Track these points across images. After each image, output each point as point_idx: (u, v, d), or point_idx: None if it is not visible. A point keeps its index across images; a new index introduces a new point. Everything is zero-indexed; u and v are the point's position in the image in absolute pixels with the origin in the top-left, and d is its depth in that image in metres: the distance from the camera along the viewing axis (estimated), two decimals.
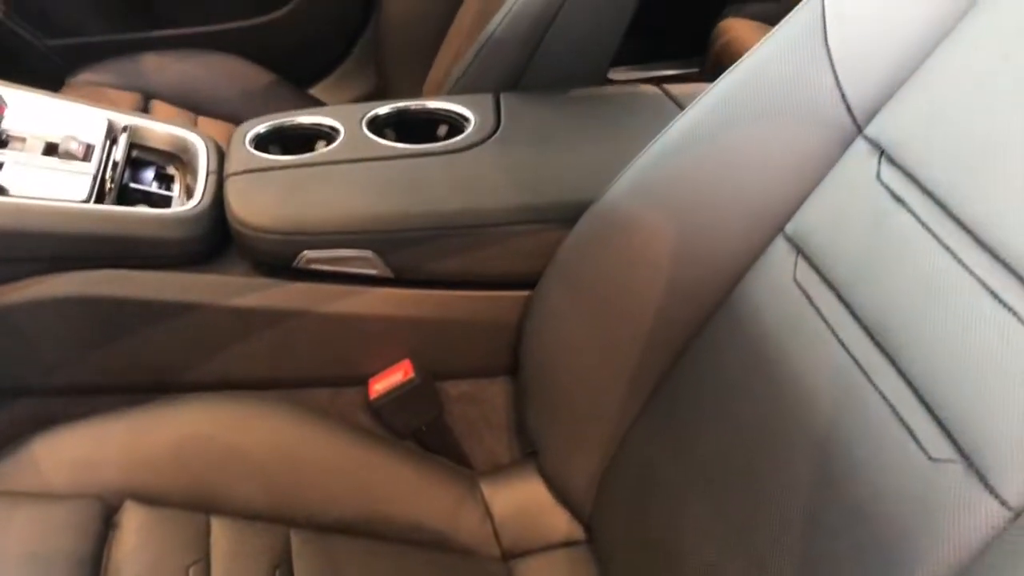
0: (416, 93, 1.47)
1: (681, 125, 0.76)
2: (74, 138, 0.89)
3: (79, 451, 0.81)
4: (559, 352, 0.84)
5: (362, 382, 0.92)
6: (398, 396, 0.89)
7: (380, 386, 0.90)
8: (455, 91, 1.09)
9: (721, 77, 0.75)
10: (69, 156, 0.87)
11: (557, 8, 1.02)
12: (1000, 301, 0.49)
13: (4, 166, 0.84)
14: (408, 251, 0.87)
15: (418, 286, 0.89)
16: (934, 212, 0.56)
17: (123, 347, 0.86)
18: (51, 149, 0.88)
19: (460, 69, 1.10)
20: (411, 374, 0.89)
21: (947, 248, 0.54)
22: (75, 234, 0.81)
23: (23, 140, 0.88)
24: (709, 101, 0.74)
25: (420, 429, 0.93)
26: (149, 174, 0.95)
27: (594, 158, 0.93)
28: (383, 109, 1.01)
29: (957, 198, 0.54)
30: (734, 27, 1.53)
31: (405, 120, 1.02)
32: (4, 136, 0.87)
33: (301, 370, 0.91)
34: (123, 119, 0.96)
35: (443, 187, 0.89)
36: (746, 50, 1.54)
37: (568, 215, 0.86)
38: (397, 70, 1.55)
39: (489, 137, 0.96)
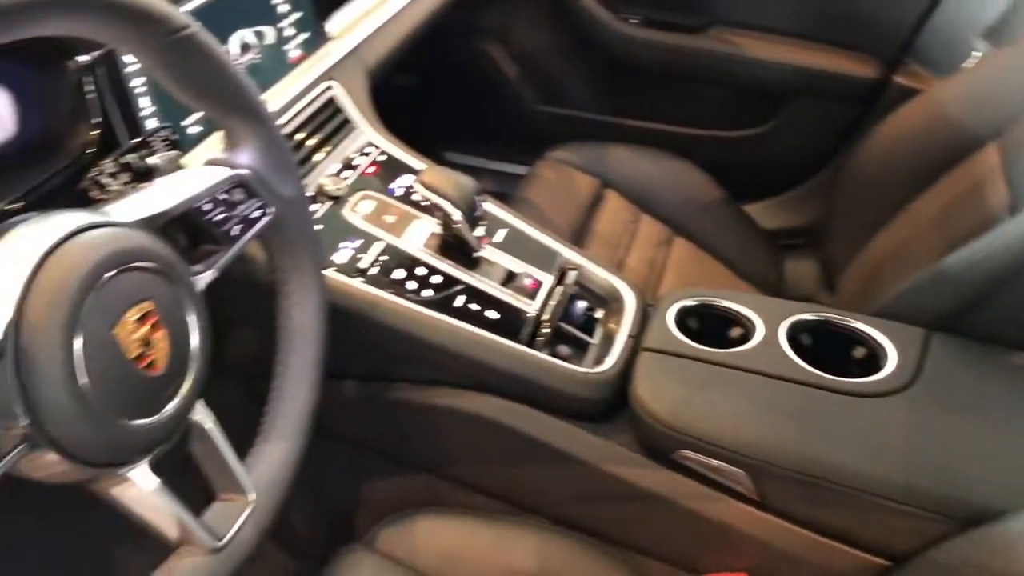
0: (850, 252, 1.45)
1: None
2: (529, 275, 1.03)
3: (450, 542, 0.95)
4: None
5: (693, 571, 0.96)
6: None
7: None
8: (887, 309, 1.06)
9: None
10: (520, 291, 1.01)
11: None
12: None
13: (469, 286, 0.99)
14: (782, 486, 0.88)
15: (778, 515, 0.91)
16: None
17: (509, 468, 0.99)
18: (509, 277, 1.02)
19: (901, 288, 1.07)
20: None
21: None
22: (503, 370, 0.95)
23: (492, 264, 1.03)
24: None
25: None
26: (580, 307, 1.06)
27: (1014, 456, 0.87)
28: (808, 316, 1.02)
29: None
30: None
31: (825, 330, 1.02)
32: (477, 257, 1.02)
33: (642, 538, 0.98)
34: (576, 258, 1.08)
35: (840, 436, 0.88)
36: None
37: (959, 513, 0.82)
38: (841, 218, 1.53)
39: (906, 387, 0.93)
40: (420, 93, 1.88)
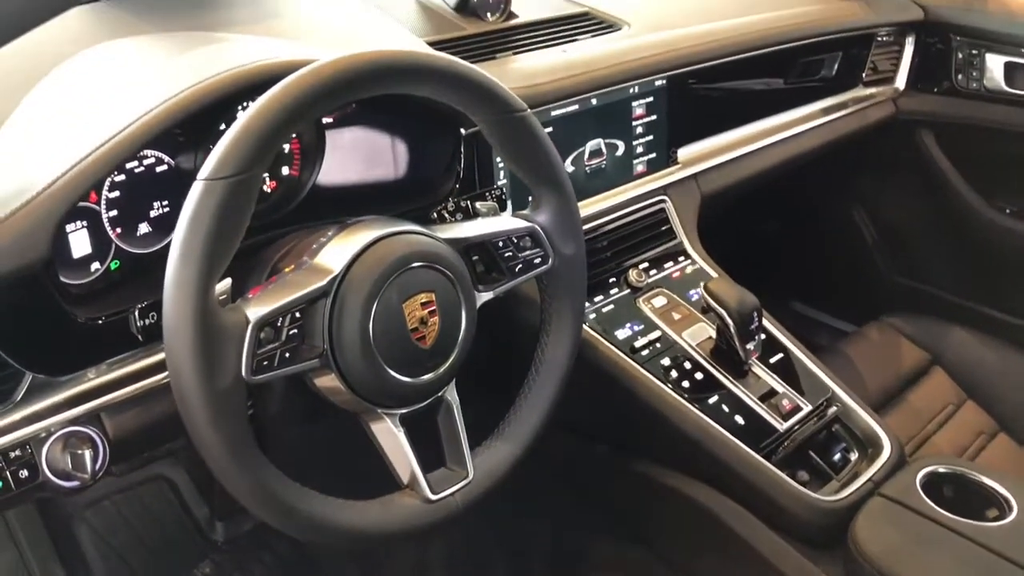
0: None
1: None
2: (787, 396, 1.09)
3: None
4: None
5: None
6: None
7: None
8: None
9: None
10: (775, 408, 1.08)
11: None
12: None
13: (728, 391, 1.09)
14: None
15: None
16: None
17: (720, 565, 1.06)
18: (769, 394, 1.10)
19: None
20: None
21: None
22: (738, 473, 1.03)
23: (757, 379, 1.11)
24: None
25: None
26: (839, 446, 1.10)
27: None
28: None
29: None
30: None
31: None
32: (747, 368, 1.11)
33: None
34: (844, 397, 1.12)
35: None
36: None
37: None
38: None
39: None
40: (776, 240, 1.98)
